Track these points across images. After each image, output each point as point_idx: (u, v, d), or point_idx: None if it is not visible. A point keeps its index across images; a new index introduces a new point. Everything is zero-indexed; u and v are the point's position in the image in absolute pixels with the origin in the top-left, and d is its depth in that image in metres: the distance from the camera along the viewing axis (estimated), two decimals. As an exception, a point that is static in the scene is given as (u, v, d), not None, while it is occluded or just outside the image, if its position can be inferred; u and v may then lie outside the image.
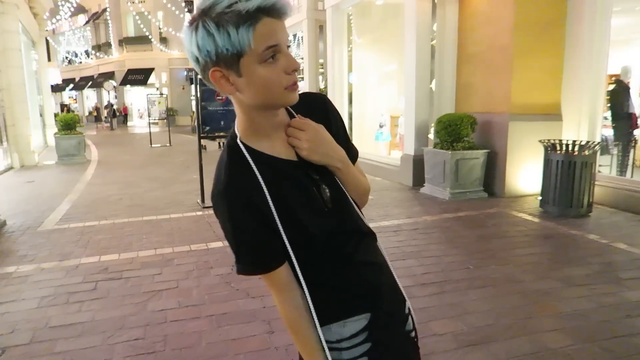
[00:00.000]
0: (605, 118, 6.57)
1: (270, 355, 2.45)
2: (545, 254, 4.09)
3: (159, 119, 17.94)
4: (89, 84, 34.52)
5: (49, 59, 26.32)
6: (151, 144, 15.10)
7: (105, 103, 31.35)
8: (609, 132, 6.83)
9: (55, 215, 5.65)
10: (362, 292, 1.00)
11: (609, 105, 6.57)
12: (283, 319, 0.98)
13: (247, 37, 0.82)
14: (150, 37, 27.95)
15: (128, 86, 32.01)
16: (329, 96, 9.86)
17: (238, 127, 0.97)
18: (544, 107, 6.03)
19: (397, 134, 9.65)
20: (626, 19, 7.70)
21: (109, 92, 30.46)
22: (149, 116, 17.32)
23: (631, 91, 6.62)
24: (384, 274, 1.06)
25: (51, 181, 8.50)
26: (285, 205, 0.92)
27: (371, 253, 1.05)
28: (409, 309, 1.11)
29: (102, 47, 33.91)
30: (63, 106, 33.08)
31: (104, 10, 32.96)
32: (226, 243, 0.99)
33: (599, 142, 5.35)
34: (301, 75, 12.14)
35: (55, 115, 15.05)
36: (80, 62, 36.58)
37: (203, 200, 6.07)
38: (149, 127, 16.94)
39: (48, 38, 24.73)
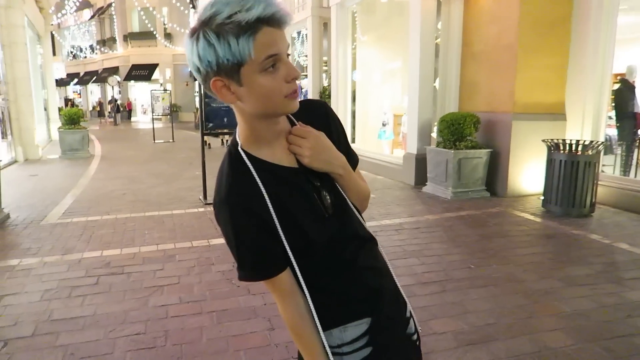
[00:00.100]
0: (610, 117, 6.54)
1: (271, 352, 2.46)
2: (547, 253, 4.08)
3: (162, 115, 17.97)
4: (93, 78, 34.61)
5: (54, 54, 26.44)
6: (154, 140, 15.14)
7: (109, 98, 31.43)
8: (613, 132, 6.80)
9: (59, 209, 5.68)
10: (362, 296, 1.01)
11: (613, 104, 6.54)
12: (286, 323, 0.99)
13: (248, 47, 0.82)
14: (155, 32, 27.97)
15: (132, 82, 32.05)
16: (333, 94, 9.86)
17: (239, 135, 0.97)
18: (547, 106, 6.01)
19: (399, 133, 9.64)
20: (632, 17, 7.63)
21: (113, 87, 30.56)
22: (153, 112, 17.38)
23: (636, 90, 6.59)
24: (384, 278, 1.06)
25: (55, 175, 8.55)
26: (286, 211, 0.93)
27: (372, 258, 1.06)
28: (410, 312, 1.12)
29: (106, 42, 34.00)
30: (67, 100, 33.15)
31: (109, 5, 33.07)
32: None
33: (602, 142, 5.32)
34: (305, 73, 12.12)
35: (60, 109, 15.11)
36: (85, 57, 36.68)
37: (205, 197, 6.09)
38: (153, 122, 16.99)
39: (53, 32, 24.80)
